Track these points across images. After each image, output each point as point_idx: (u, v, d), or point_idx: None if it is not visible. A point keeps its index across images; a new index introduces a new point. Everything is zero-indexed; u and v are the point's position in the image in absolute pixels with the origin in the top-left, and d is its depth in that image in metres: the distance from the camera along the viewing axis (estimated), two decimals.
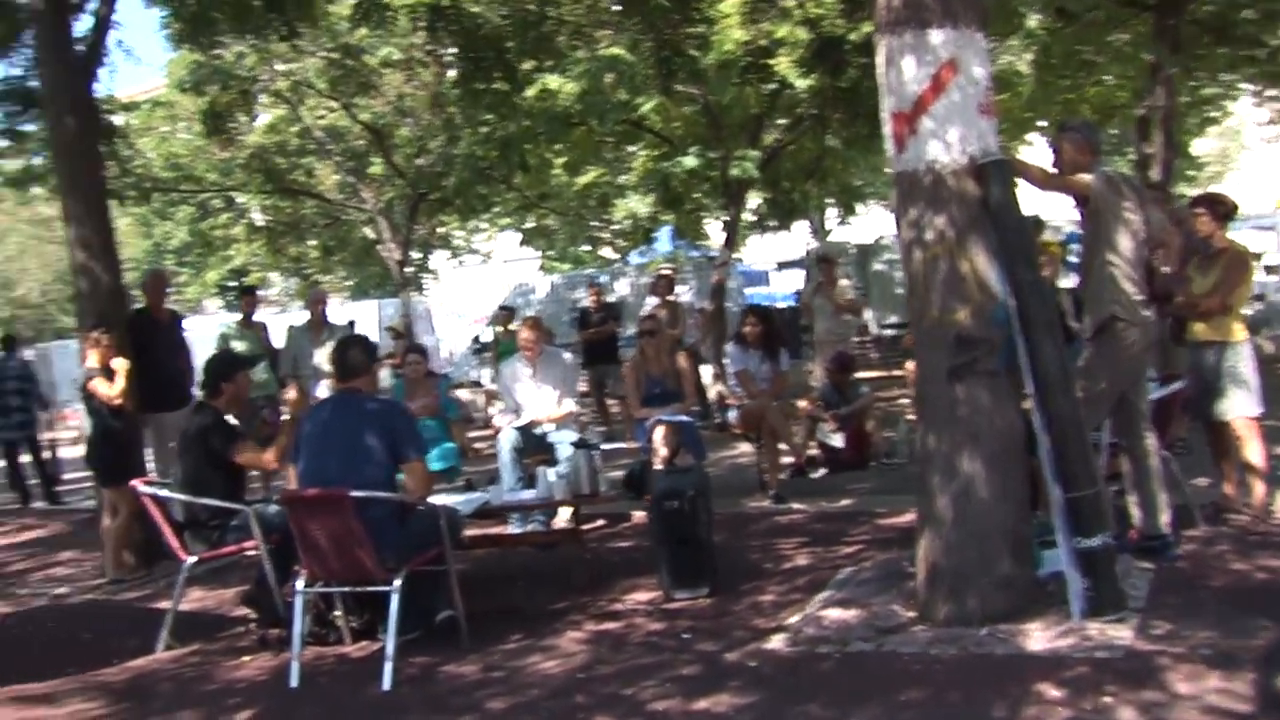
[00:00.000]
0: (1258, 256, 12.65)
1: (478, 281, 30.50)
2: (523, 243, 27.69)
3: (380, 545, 4.94)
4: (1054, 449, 4.56)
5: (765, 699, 4.20)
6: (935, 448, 4.79)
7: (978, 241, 4.66)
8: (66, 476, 12.43)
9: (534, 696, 4.49)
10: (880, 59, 4.85)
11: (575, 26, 12.27)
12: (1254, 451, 6.01)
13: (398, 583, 4.93)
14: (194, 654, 5.66)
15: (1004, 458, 4.68)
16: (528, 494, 6.61)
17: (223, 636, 5.89)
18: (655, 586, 5.85)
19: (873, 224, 26.02)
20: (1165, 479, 5.49)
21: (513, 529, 7.65)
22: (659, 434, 7.97)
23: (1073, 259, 9.47)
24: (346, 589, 5.28)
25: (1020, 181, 4.98)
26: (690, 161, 12.95)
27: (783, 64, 10.89)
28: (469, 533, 7.22)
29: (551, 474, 6.50)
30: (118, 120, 15.44)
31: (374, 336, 19.50)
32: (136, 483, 6.09)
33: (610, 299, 19.59)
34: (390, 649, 4.86)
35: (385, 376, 16.99)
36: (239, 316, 10.54)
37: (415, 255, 41.48)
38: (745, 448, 9.58)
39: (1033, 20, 11.21)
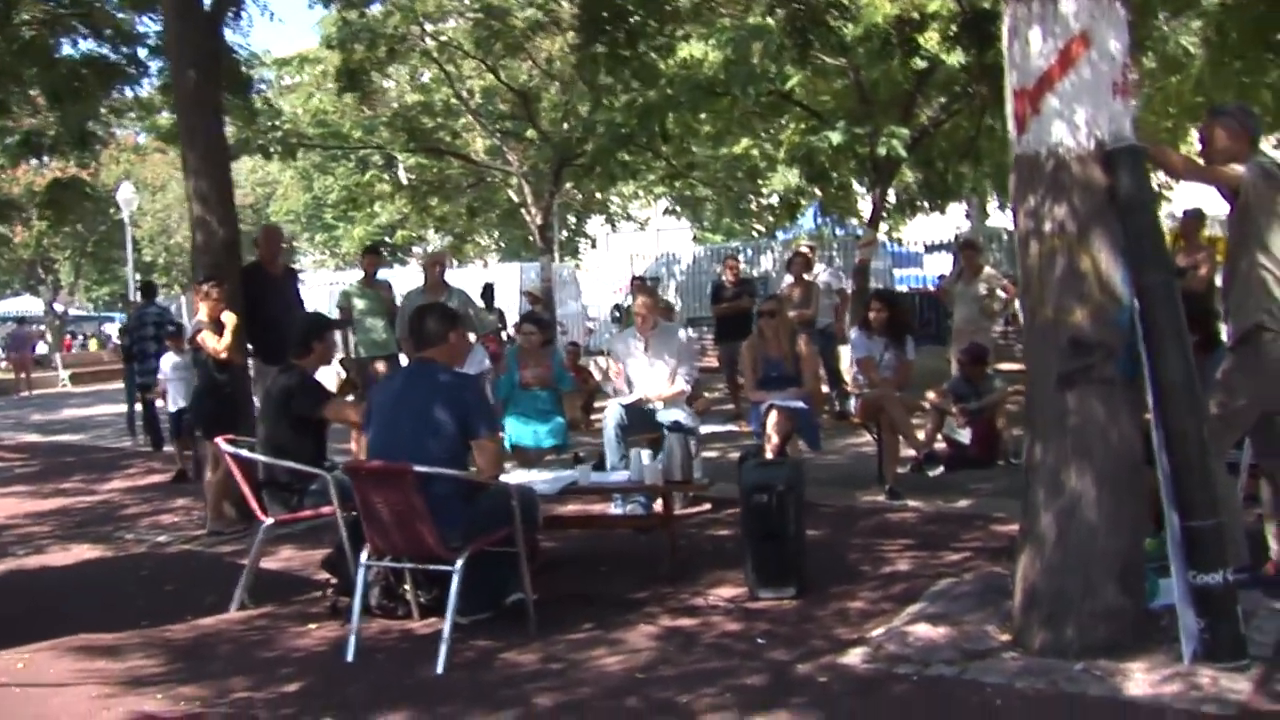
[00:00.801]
0: None
1: (632, 249, 30.38)
2: (667, 212, 27.43)
3: (444, 523, 4.78)
4: (1172, 471, 4.09)
5: None
6: (1040, 459, 4.37)
7: (1102, 236, 4.20)
8: None
9: (585, 695, 4.27)
10: (1005, 29, 4.42)
11: None
12: None
13: (460, 563, 4.77)
14: (265, 616, 5.63)
15: (1117, 476, 4.23)
16: (618, 475, 6.38)
17: (299, 600, 5.85)
18: (742, 582, 5.56)
19: None
20: None
21: (614, 510, 7.46)
22: (771, 419, 7.68)
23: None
24: (410, 565, 5.14)
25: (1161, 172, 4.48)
26: (837, 136, 12.49)
27: (932, 39, 10.33)
28: (564, 510, 7.11)
29: (645, 456, 6.26)
30: (268, 75, 15.87)
31: (513, 301, 19.74)
32: (220, 440, 6.09)
33: (754, 274, 19.26)
34: (447, 630, 4.70)
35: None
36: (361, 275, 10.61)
37: (571, 220, 41.96)
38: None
39: None
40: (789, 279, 11.90)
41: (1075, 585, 4.24)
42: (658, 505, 7.32)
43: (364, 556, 5.02)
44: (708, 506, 7.79)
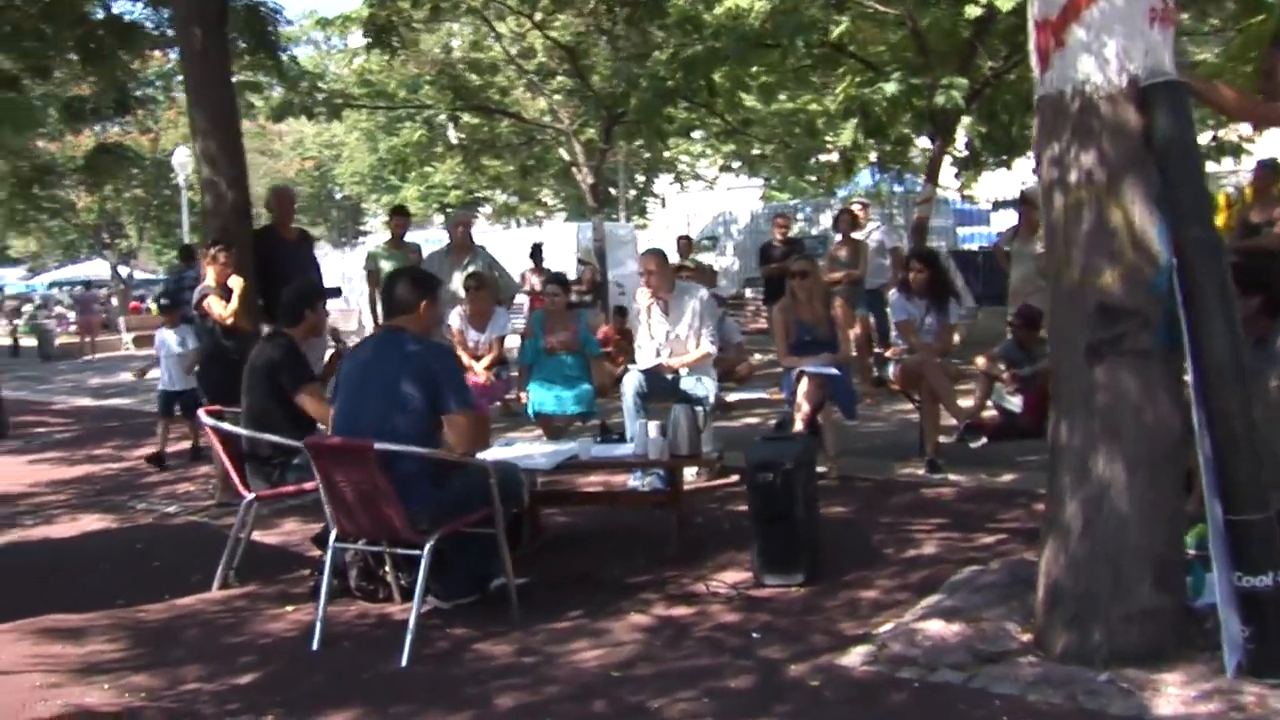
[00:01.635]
0: None
1: (700, 209, 29.82)
2: (723, 168, 26.82)
3: (411, 503, 4.41)
4: (1215, 455, 3.56)
5: None
6: (1066, 440, 3.87)
7: (1135, 186, 3.66)
8: None
9: (550, 695, 3.89)
10: None
11: None
12: None
13: (429, 547, 4.41)
14: (245, 596, 5.34)
15: (1153, 460, 3.71)
16: (623, 449, 5.95)
17: (286, 578, 5.55)
18: (752, 566, 5.13)
19: None
20: None
21: (633, 483, 7.07)
22: (802, 387, 7.21)
23: None
24: (380, 549, 4.81)
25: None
26: (891, 88, 11.83)
27: None
28: (587, 482, 6.72)
29: (653, 428, 5.84)
30: (316, 37, 15.54)
31: (569, 261, 19.35)
32: (201, 412, 5.78)
33: (813, 233, 18.66)
34: (413, 620, 4.36)
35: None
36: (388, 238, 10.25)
37: (639, 178, 41.42)
38: None
39: None
40: (837, 237, 11.34)
41: (1103, 583, 3.75)
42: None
43: (332, 538, 4.68)
44: (734, 479, 7.36)
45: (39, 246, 41.02)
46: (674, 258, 17.77)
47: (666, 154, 33.41)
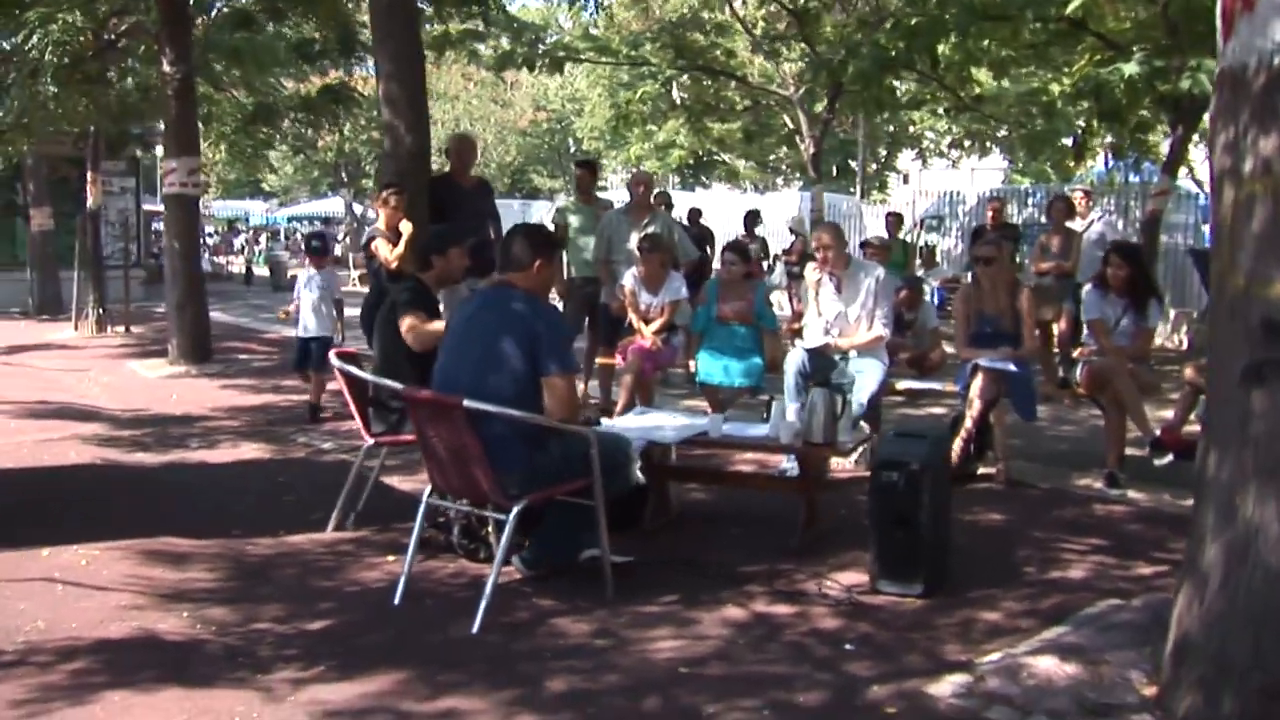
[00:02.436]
0: None
1: (942, 186, 28.67)
2: (952, 146, 25.63)
3: (502, 467, 4.25)
4: None
5: None
6: (1214, 473, 3.33)
7: None
8: None
9: (605, 685, 3.66)
10: None
11: None
12: None
13: (514, 512, 4.24)
14: (355, 541, 5.35)
15: None
16: (757, 429, 5.62)
17: (400, 527, 5.47)
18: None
19: None
20: None
21: (785, 465, 6.73)
22: (976, 383, 6.71)
23: None
24: (468, 509, 4.68)
25: None
26: (1131, 69, 10.88)
27: None
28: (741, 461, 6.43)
29: (791, 411, 5.49)
30: None
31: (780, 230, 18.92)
32: (332, 354, 5.78)
33: (1042, 220, 17.58)
34: (489, 586, 4.23)
35: (778, 273, 16.36)
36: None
37: (881, 152, 40.35)
38: None
39: None
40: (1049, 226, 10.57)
41: (1242, 645, 3.21)
42: (840, 464, 6.59)
43: (426, 493, 4.58)
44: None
45: (288, 180, 43.06)
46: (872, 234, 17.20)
47: (912, 128, 32.35)
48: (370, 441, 5.46)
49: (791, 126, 17.90)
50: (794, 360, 6.98)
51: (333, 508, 5.62)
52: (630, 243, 8.72)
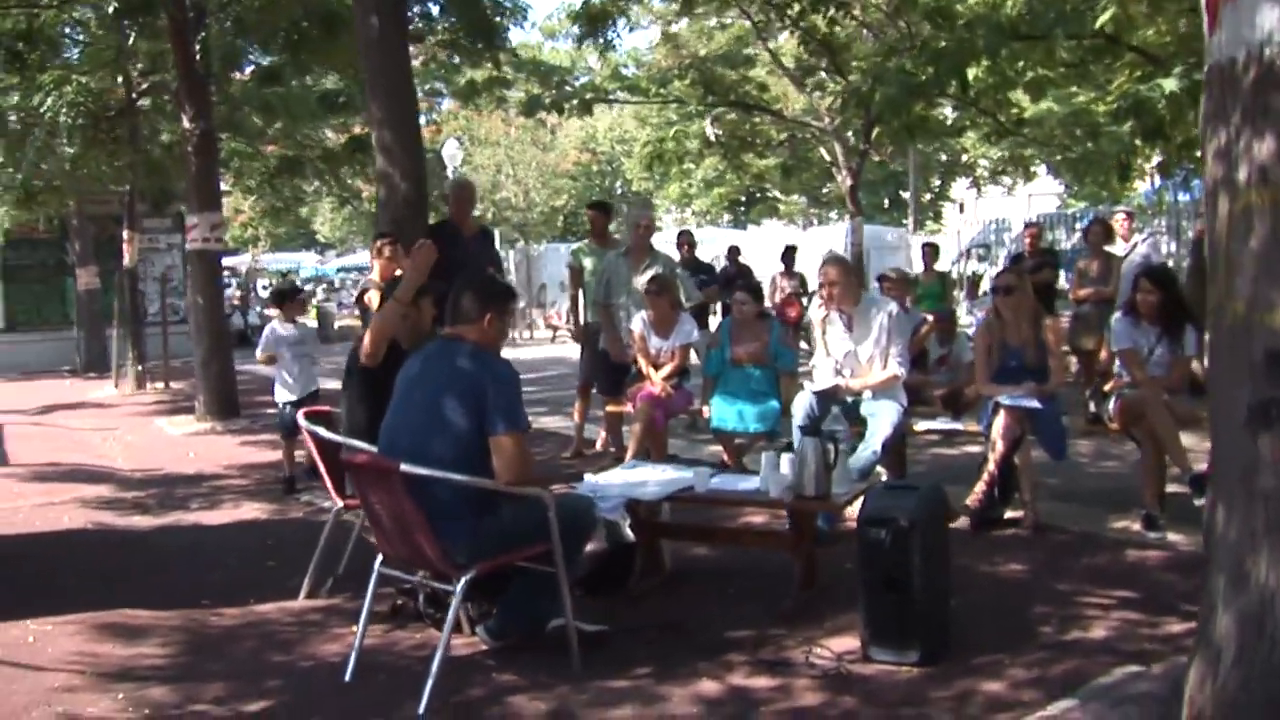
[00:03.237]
0: None
1: (999, 215, 28.06)
2: (996, 172, 25.05)
3: (447, 534, 3.92)
4: None
5: None
6: (1221, 531, 2.89)
7: None
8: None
9: None
10: None
11: None
12: None
13: (461, 584, 3.90)
14: (324, 610, 5.05)
15: None
16: (748, 482, 5.21)
17: (380, 592, 5.15)
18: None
19: None
20: None
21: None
22: (998, 423, 6.25)
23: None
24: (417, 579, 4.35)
25: None
26: (1171, 84, 10.37)
27: None
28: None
29: (785, 462, 5.09)
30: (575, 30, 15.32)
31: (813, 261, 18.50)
32: (300, 415, 5.49)
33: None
34: (435, 665, 3.88)
35: (813, 308, 15.91)
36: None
37: (935, 182, 39.73)
38: None
39: None
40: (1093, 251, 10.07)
41: None
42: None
43: (378, 563, 4.24)
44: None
45: (341, 230, 43.30)
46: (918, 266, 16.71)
47: (965, 156, 31.76)
48: (340, 504, 5.15)
49: (829, 159, 17.50)
50: (802, 404, 6.57)
51: (325, 571, 5.33)
52: (632, 284, 8.37)
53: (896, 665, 4.08)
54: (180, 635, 4.73)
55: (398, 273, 7.19)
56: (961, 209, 41.48)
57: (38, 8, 11.09)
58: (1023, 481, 6.33)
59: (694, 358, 8.22)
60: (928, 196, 42.11)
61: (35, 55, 11.23)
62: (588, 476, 5.33)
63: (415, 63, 13.84)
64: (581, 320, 9.36)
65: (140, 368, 15.80)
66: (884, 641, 4.11)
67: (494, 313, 4.23)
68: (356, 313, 7.51)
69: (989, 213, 30.01)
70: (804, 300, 16.02)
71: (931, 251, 13.01)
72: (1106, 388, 6.58)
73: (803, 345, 10.02)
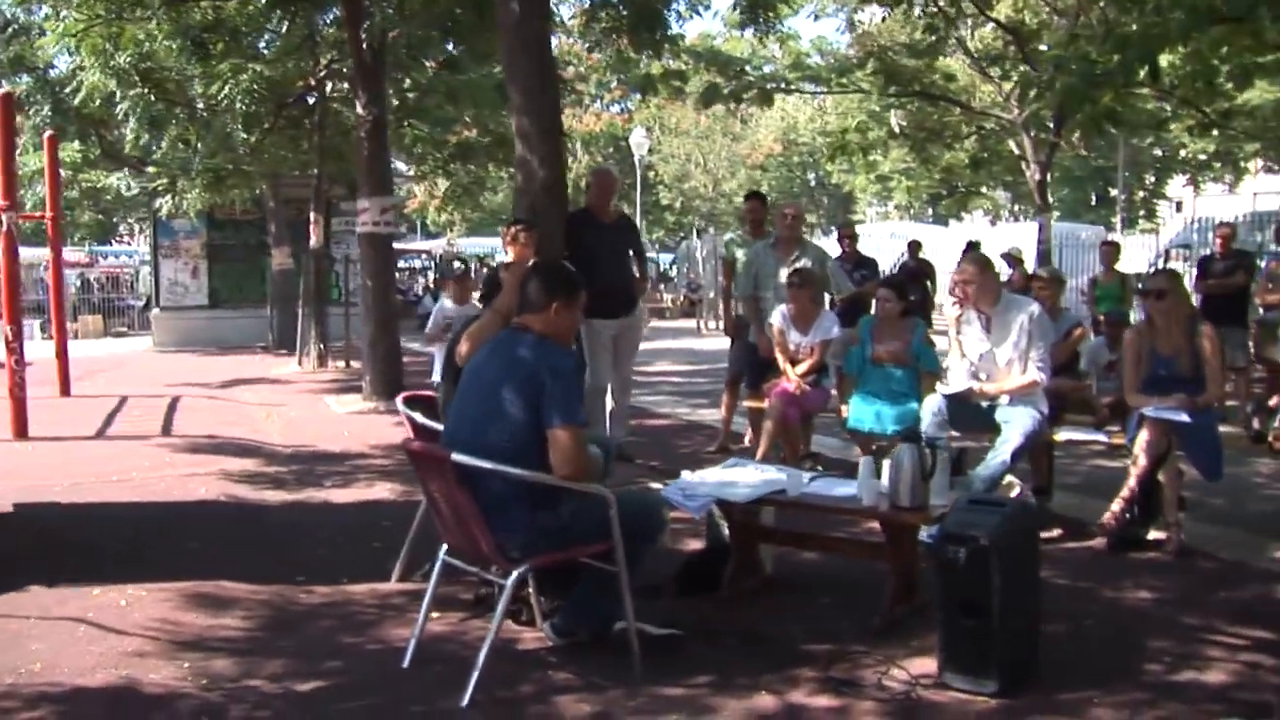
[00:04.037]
0: None
1: (1225, 213, 26.39)
2: (1202, 167, 23.42)
3: (501, 527, 3.82)
4: None
5: None
6: None
7: None
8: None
9: None
10: None
11: None
12: None
13: (513, 577, 3.81)
14: (411, 593, 4.99)
15: None
16: (846, 489, 4.92)
17: (469, 580, 5.09)
18: None
19: None
20: None
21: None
22: (1142, 435, 5.79)
23: None
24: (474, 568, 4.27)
25: None
26: None
27: None
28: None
29: (888, 468, 4.78)
30: None
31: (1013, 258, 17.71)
32: (399, 399, 5.48)
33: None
34: (482, 656, 3.82)
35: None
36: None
37: (1149, 179, 37.72)
38: None
39: None
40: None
41: None
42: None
43: (442, 550, 4.19)
44: (1056, 533, 6.07)
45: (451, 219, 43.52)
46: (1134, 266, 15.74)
47: (1184, 151, 29.94)
48: None
49: (1018, 152, 16.72)
50: (930, 406, 6.23)
51: (424, 555, 5.34)
52: (781, 277, 8.11)
53: (972, 694, 3.76)
54: (263, 610, 4.80)
55: (530, 260, 7.18)
56: (1179, 207, 39.36)
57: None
58: (1167, 500, 5.84)
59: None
60: (1141, 194, 39.96)
61: (220, 45, 11.71)
62: (684, 474, 5.15)
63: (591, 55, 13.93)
64: (731, 313, 9.17)
65: (322, 346, 16.38)
66: (960, 668, 3.81)
67: (560, 302, 4.11)
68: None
69: (1209, 211, 28.21)
70: None
71: (1112, 250, 12.23)
72: (1272, 403, 6.01)
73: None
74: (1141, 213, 38.43)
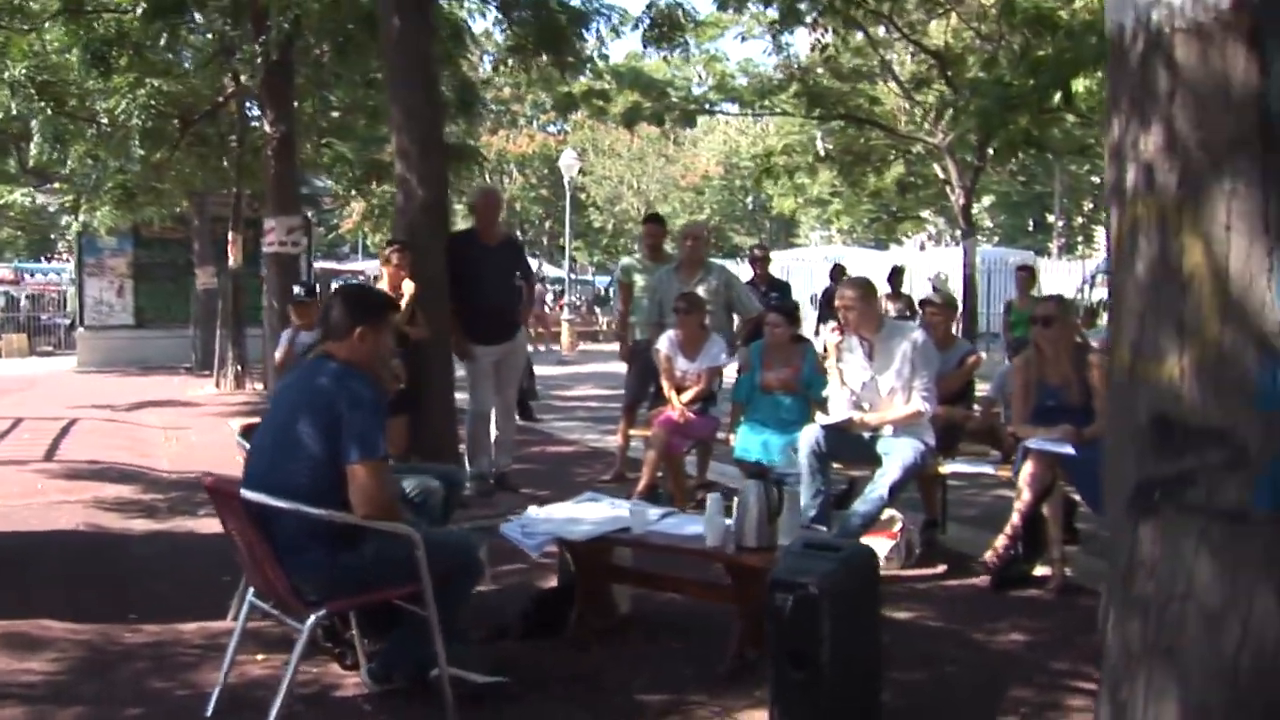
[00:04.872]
0: None
1: None
2: None
3: (297, 568, 3.51)
4: None
5: None
6: (1113, 637, 2.24)
7: (1234, 197, 1.99)
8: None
9: None
10: None
11: None
12: None
13: (309, 623, 3.48)
14: (244, 632, 4.65)
15: (1231, 709, 2.02)
16: (692, 526, 4.61)
17: None
18: None
19: None
20: None
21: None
22: (1025, 469, 5.54)
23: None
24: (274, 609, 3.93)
25: None
26: None
27: None
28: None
29: (736, 507, 4.48)
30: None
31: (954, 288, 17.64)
32: (237, 428, 5.12)
33: None
34: (275, 709, 3.47)
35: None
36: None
37: (1087, 206, 37.91)
38: None
39: None
40: None
41: None
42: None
43: (248, 591, 3.87)
44: (940, 569, 5.83)
45: None
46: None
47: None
48: None
49: (943, 176, 16.63)
50: (807, 439, 5.93)
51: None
52: None
53: None
54: (78, 651, 4.45)
55: (404, 284, 6.89)
56: None
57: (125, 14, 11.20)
58: (1051, 537, 5.59)
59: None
60: (1079, 220, 40.25)
61: (124, 58, 11.31)
62: (530, 509, 4.84)
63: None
64: (628, 338, 8.87)
65: (240, 367, 15.95)
66: None
67: (365, 327, 3.79)
68: None
69: None
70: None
71: (1027, 276, 12.10)
72: None
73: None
74: (1080, 238, 38.72)
